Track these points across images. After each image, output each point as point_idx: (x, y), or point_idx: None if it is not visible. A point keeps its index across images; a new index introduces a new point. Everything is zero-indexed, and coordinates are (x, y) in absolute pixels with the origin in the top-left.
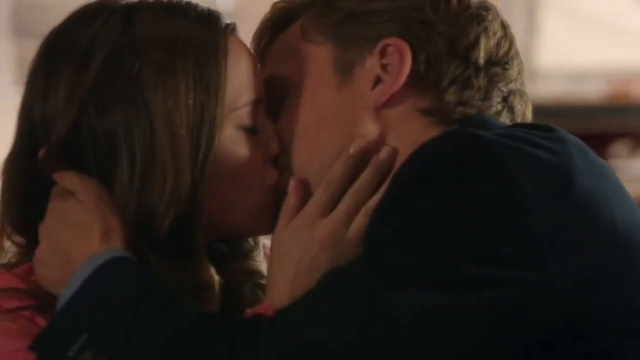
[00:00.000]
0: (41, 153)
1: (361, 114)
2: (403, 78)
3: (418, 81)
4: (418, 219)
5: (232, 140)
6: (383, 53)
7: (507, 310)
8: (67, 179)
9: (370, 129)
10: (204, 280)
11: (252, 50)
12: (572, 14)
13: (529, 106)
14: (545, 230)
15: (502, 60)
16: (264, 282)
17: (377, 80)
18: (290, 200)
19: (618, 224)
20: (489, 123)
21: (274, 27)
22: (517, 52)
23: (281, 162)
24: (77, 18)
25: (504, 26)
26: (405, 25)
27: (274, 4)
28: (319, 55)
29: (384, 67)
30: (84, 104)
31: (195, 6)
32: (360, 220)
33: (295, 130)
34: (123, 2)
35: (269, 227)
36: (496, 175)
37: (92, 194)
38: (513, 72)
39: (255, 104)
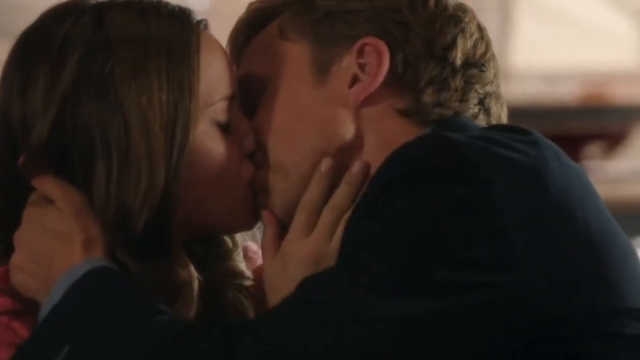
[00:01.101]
0: (21, 158)
1: (339, 111)
2: (381, 77)
3: (396, 81)
4: (393, 223)
5: (207, 137)
6: (361, 52)
7: (484, 313)
8: (46, 186)
9: (348, 128)
10: (183, 278)
11: (227, 51)
12: (546, 15)
13: (505, 109)
14: (520, 232)
15: (479, 62)
16: (246, 283)
17: (355, 79)
18: (268, 231)
19: (593, 226)
20: (465, 125)
21: (249, 27)
22: (493, 55)
23: (257, 158)
24: (49, 18)
25: (481, 29)
26: (383, 25)
27: (250, 4)
28: (296, 54)
29: (361, 67)
30: (62, 104)
31: (167, 4)
32: (339, 235)
33: (271, 126)
34: (94, 1)
35: (245, 224)
36: (471, 177)
37: (72, 202)
38: (489, 74)
39: (230, 99)
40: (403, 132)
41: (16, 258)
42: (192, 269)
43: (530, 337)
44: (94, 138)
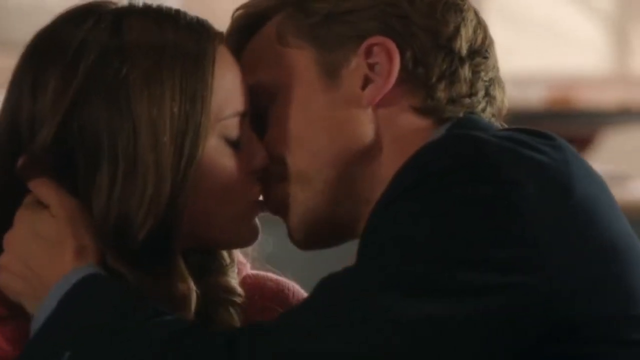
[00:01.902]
0: (22, 159)
1: (354, 113)
2: (394, 76)
3: (407, 78)
4: (420, 223)
5: (215, 151)
6: (369, 52)
7: (507, 314)
8: (42, 190)
9: (365, 128)
10: (182, 291)
11: None
12: (514, 19)
13: (505, 92)
14: (544, 234)
15: (482, 49)
16: (237, 300)
17: (367, 80)
18: None
19: (614, 232)
20: (481, 124)
21: (240, 35)
22: (491, 39)
23: (272, 173)
24: (66, 20)
25: (476, 13)
26: (385, 22)
27: (235, 12)
28: (301, 60)
29: (371, 67)
30: (72, 106)
31: (185, 15)
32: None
33: (287, 136)
34: (112, 6)
35: (245, 241)
36: (497, 178)
37: (67, 208)
38: (492, 60)
39: (241, 115)
40: (419, 130)
41: (5, 259)
42: (191, 282)
43: (549, 339)
44: (101, 143)
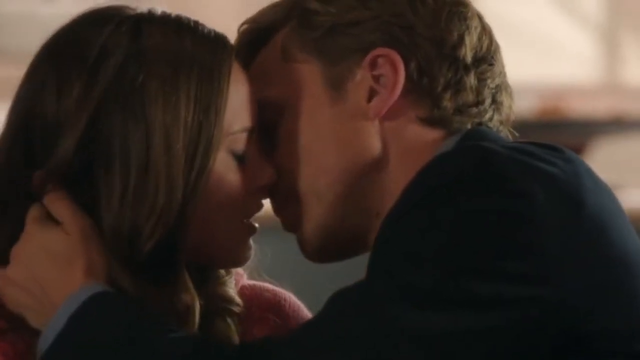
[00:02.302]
0: (39, 173)
1: (361, 126)
2: (399, 88)
3: (413, 89)
4: (427, 238)
5: (222, 165)
6: (373, 64)
7: (518, 327)
8: (57, 207)
9: (373, 141)
10: (185, 303)
11: None
12: (503, 29)
13: (513, 99)
14: (554, 246)
15: (487, 56)
16: (236, 309)
17: (372, 92)
18: None
19: (626, 245)
20: (489, 135)
21: (247, 50)
22: (497, 44)
23: (280, 191)
24: (86, 23)
25: (480, 18)
26: (390, 33)
27: (240, 27)
28: (307, 74)
29: (376, 79)
30: (95, 113)
31: (203, 27)
32: None
33: (295, 153)
34: (132, 11)
35: (240, 260)
36: (506, 189)
37: (81, 227)
38: (498, 67)
39: (250, 131)
40: (427, 141)
41: (11, 271)
42: (195, 293)
43: (560, 351)
44: (114, 149)
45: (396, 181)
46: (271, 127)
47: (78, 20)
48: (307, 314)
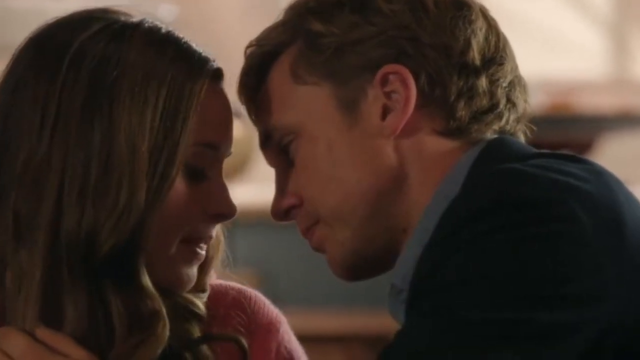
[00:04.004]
0: None
1: (379, 144)
2: (412, 103)
3: (426, 102)
4: (485, 270)
5: (180, 176)
6: (384, 81)
7: (583, 350)
8: (63, 344)
9: (392, 158)
10: (150, 308)
11: (242, 101)
12: (512, 25)
13: (528, 93)
14: (608, 265)
15: (497, 56)
16: (198, 311)
17: (385, 109)
18: None
19: None
20: (513, 146)
21: (255, 75)
22: (505, 39)
23: (306, 213)
24: (69, 23)
25: (485, 16)
26: (396, 47)
27: (246, 49)
28: (319, 98)
29: (388, 95)
30: (63, 105)
31: (189, 47)
32: None
33: (316, 179)
34: (120, 17)
35: (174, 284)
36: (554, 214)
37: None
38: (508, 64)
39: (212, 148)
40: (446, 153)
41: None
42: (159, 299)
43: None
44: (78, 142)
45: (419, 196)
46: (287, 153)
47: (62, 20)
48: (272, 310)
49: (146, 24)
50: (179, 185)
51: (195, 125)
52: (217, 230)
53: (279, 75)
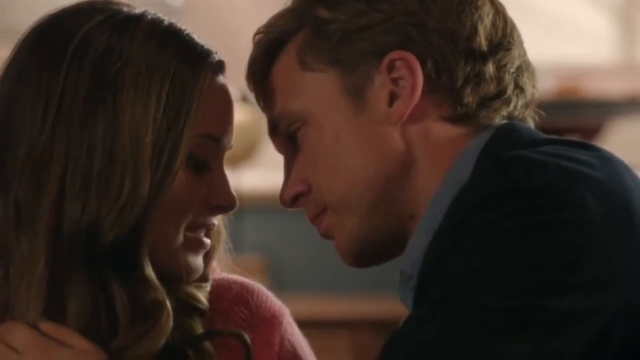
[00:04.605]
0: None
1: (386, 131)
2: (419, 89)
3: (433, 88)
4: (494, 258)
5: (181, 168)
6: (391, 68)
7: (593, 337)
8: (69, 336)
9: (399, 145)
10: (153, 298)
11: (250, 88)
12: (519, 9)
13: (536, 77)
14: (618, 251)
15: (504, 41)
16: (200, 306)
17: (392, 96)
18: None
19: None
20: (522, 135)
21: (262, 62)
22: (512, 24)
23: (314, 201)
24: (73, 13)
25: (493, 2)
26: (402, 34)
27: (254, 37)
28: (326, 85)
29: (395, 82)
30: (66, 96)
31: (192, 39)
32: None
33: (323, 167)
34: (123, 9)
35: (180, 272)
36: (564, 201)
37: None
38: (515, 49)
39: (213, 140)
40: (454, 139)
41: None
42: (163, 290)
43: (622, 356)
44: (82, 132)
45: (427, 182)
46: (295, 140)
47: (66, 10)
48: (275, 303)
49: (149, 16)
50: (182, 176)
51: (198, 117)
52: (218, 220)
53: (286, 62)
